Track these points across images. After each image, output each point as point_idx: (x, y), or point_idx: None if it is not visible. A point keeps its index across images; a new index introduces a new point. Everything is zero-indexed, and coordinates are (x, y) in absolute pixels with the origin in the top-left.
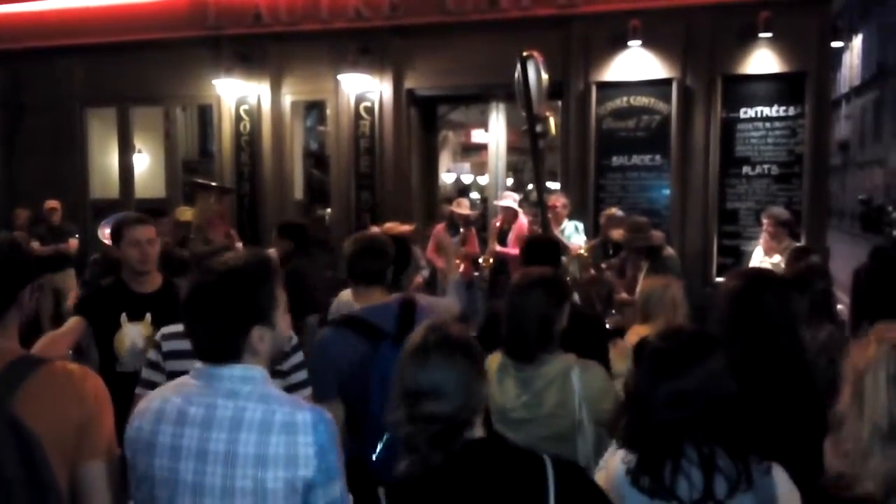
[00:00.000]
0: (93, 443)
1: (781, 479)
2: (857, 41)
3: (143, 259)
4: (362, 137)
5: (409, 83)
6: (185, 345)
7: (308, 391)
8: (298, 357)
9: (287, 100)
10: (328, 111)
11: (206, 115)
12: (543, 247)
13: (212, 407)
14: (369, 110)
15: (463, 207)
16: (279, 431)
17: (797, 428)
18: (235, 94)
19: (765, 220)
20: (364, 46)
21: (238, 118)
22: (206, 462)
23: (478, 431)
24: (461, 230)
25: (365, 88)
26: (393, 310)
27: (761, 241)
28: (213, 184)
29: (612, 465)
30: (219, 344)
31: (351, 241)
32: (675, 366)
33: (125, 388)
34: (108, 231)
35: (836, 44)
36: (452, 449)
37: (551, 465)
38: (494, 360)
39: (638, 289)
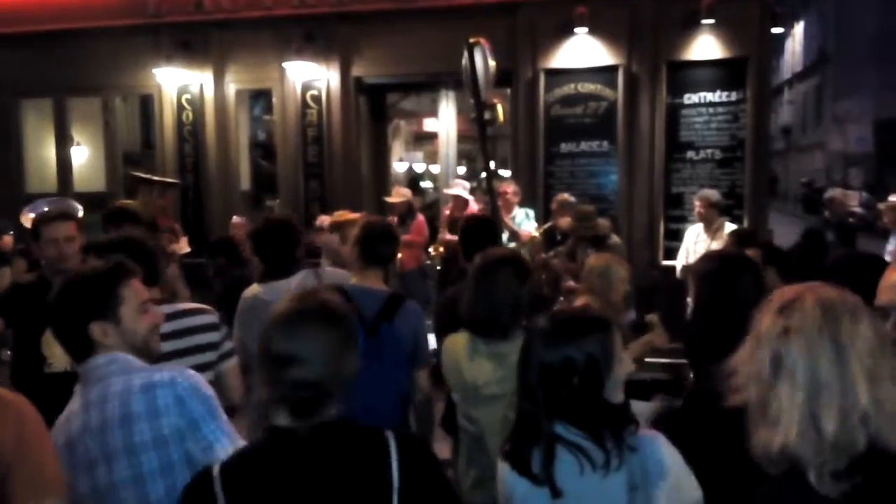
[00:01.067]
0: (30, 485)
1: (655, 450)
2: (799, 28)
3: (60, 257)
4: (310, 126)
5: (356, 71)
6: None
7: (235, 360)
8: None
9: (231, 88)
10: (274, 100)
11: (146, 106)
12: (480, 227)
13: (87, 395)
14: (316, 99)
15: (396, 196)
16: (138, 391)
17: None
18: (177, 82)
19: (696, 202)
20: (309, 33)
21: (180, 108)
22: (90, 438)
23: (332, 410)
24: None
25: (311, 76)
26: (380, 300)
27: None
28: (155, 178)
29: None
30: (68, 343)
31: (361, 225)
32: (550, 343)
33: (55, 389)
34: (31, 216)
35: (776, 30)
36: (312, 422)
37: (394, 442)
38: (460, 341)
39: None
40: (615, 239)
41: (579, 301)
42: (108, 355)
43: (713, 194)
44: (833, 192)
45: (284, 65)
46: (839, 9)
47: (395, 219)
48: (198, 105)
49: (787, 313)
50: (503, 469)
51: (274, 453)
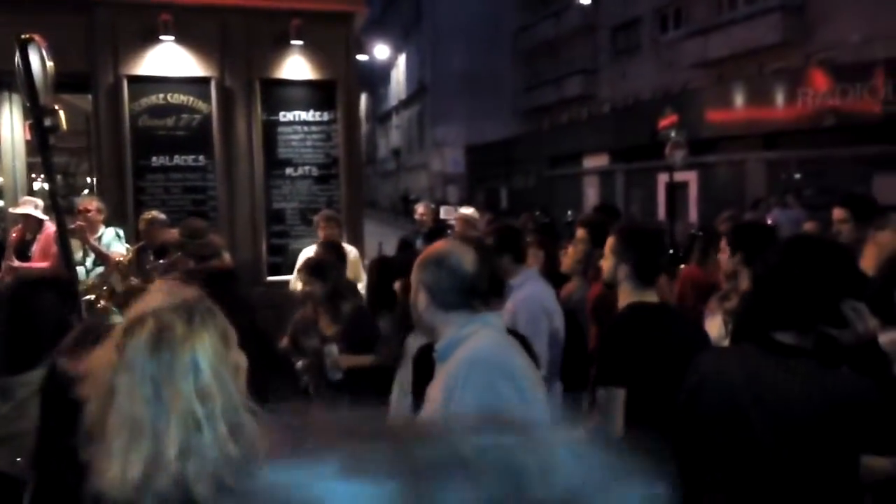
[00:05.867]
0: None
1: None
2: (402, 60)
3: None
4: None
5: None
6: None
7: None
8: None
9: None
10: None
11: None
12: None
13: None
14: None
15: None
16: None
17: None
18: None
19: (320, 220)
20: None
21: None
22: None
23: None
24: None
25: None
26: None
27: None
28: None
29: None
30: None
31: None
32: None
33: None
34: None
35: (361, 57)
36: None
37: None
38: None
39: None
40: (225, 258)
41: None
42: None
43: (333, 213)
44: (417, 206)
45: None
46: (433, 46)
47: None
48: None
49: (127, 335)
50: None
51: None
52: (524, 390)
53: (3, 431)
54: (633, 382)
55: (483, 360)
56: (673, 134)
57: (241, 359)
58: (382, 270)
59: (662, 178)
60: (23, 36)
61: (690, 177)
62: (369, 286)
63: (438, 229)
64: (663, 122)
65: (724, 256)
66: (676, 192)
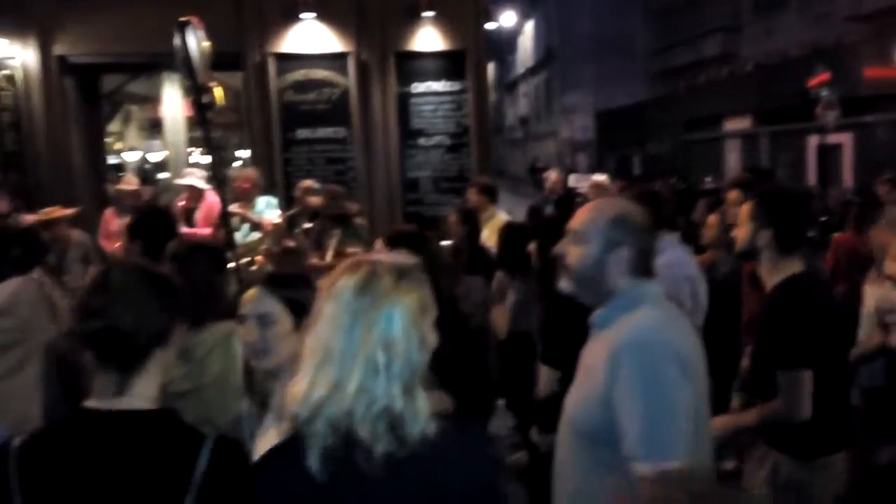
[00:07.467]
0: None
1: None
2: (529, 27)
3: None
4: (5, 111)
5: (59, 49)
6: None
7: None
8: None
9: None
10: None
11: None
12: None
13: None
14: (11, 79)
15: (129, 184)
16: None
17: None
18: None
19: (470, 189)
20: None
21: None
22: None
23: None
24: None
25: (3, 54)
26: None
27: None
28: None
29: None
30: None
31: None
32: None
33: None
34: None
35: (490, 25)
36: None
37: (211, 442)
38: None
39: (329, 255)
40: (360, 220)
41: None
42: None
43: (485, 179)
44: (547, 174)
45: None
46: (561, 11)
47: (112, 209)
48: None
49: (342, 274)
50: None
51: (75, 433)
52: (689, 372)
53: (190, 385)
54: (815, 362)
55: (647, 343)
56: (825, 93)
57: (432, 336)
58: (511, 236)
59: (813, 141)
60: (181, 19)
61: (844, 139)
62: (499, 252)
63: (568, 197)
64: (814, 81)
65: None
66: (828, 155)
